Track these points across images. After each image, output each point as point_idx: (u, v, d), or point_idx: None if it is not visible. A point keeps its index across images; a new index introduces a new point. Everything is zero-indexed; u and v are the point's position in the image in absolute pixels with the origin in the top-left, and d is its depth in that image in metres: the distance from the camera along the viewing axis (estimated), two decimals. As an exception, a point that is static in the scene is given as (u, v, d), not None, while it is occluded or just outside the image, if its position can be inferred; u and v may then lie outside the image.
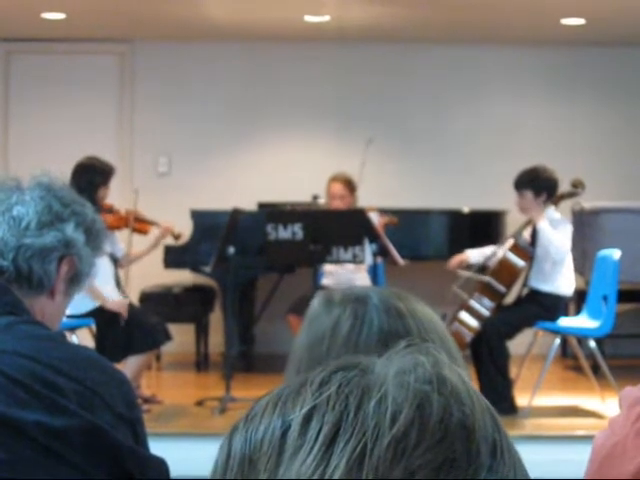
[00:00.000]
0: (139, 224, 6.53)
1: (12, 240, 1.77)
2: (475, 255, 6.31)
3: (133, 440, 1.64)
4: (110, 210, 6.29)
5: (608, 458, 1.28)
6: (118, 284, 6.24)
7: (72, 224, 1.81)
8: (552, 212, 6.06)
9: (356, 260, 6.02)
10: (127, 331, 5.79)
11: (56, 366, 1.60)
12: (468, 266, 6.28)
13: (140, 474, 1.61)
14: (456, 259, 6.33)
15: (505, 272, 6.03)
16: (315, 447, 0.61)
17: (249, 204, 7.69)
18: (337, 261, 6.11)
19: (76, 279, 1.85)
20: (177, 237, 6.74)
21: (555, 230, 5.97)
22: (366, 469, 0.59)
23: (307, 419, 0.62)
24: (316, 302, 1.40)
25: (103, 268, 6.01)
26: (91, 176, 5.97)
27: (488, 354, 5.87)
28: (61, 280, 1.82)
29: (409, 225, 7.18)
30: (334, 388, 0.63)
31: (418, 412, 0.61)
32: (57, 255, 1.80)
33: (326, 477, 0.59)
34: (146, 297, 7.48)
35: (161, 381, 7.44)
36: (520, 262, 6.02)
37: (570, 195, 6.30)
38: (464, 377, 0.66)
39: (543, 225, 5.96)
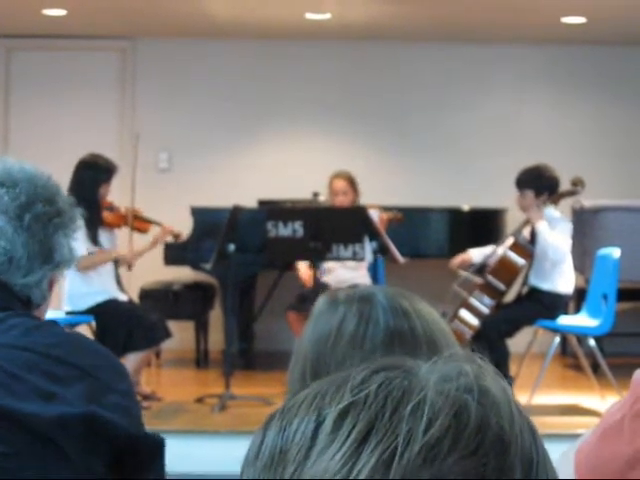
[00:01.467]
0: (139, 223, 6.51)
1: (5, 280, 1.77)
2: (478, 255, 6.30)
3: (134, 414, 1.65)
4: (110, 208, 6.27)
5: (608, 430, 1.29)
6: (118, 281, 6.24)
7: (58, 248, 1.79)
8: (552, 211, 6.06)
9: (356, 257, 6.02)
10: (127, 328, 5.79)
11: (51, 354, 1.61)
12: (469, 265, 6.28)
13: (136, 458, 1.62)
14: (459, 259, 6.32)
15: (505, 270, 6.03)
16: (346, 444, 0.60)
17: (249, 201, 7.68)
18: (337, 258, 6.11)
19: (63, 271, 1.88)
20: (176, 237, 6.72)
21: (554, 229, 5.97)
22: (393, 472, 0.58)
23: (342, 415, 0.61)
24: (321, 301, 1.40)
25: (104, 266, 6.03)
26: (94, 173, 5.95)
27: (488, 352, 5.86)
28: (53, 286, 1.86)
29: (409, 223, 7.18)
30: (374, 387, 0.62)
31: (454, 420, 0.60)
32: (50, 277, 1.82)
33: (352, 476, 0.59)
34: (146, 294, 7.48)
35: (161, 378, 7.44)
36: (520, 260, 6.02)
37: (570, 194, 6.30)
38: (508, 390, 0.64)
39: (541, 227, 5.96)
